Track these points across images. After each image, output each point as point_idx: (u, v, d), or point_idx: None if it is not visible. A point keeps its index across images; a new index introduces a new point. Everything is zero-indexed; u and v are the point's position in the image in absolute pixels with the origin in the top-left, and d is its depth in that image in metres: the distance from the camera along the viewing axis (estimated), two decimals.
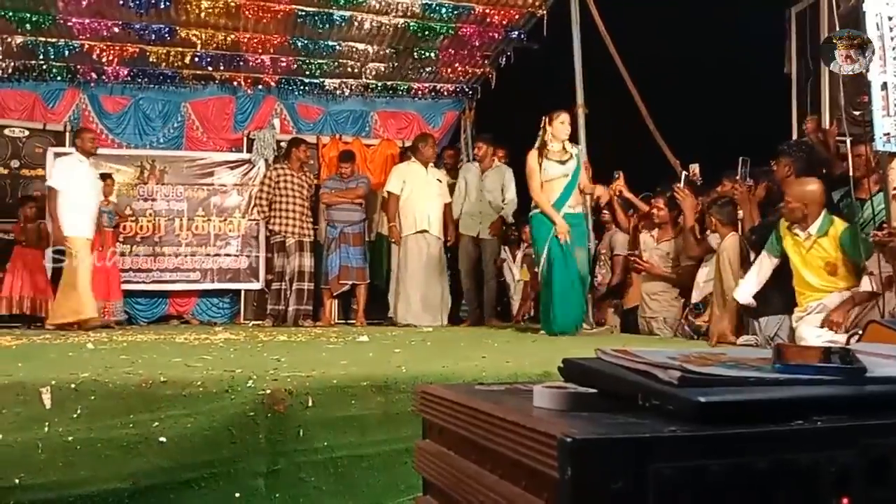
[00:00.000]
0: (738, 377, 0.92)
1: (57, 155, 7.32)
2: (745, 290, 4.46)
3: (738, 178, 4.97)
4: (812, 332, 3.99)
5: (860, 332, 1.40)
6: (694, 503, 0.76)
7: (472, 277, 6.95)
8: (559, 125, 5.25)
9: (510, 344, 4.26)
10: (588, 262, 5.39)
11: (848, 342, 1.38)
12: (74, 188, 6.19)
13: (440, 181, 6.96)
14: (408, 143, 8.50)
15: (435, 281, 6.80)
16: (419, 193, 6.83)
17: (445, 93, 9.09)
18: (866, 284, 3.96)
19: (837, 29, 4.95)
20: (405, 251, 6.83)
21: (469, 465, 1.02)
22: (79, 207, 6.18)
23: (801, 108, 6.47)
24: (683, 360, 0.95)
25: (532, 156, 5.29)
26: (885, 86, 3.44)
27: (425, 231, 6.79)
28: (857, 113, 4.80)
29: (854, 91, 4.53)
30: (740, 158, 5.05)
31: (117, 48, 7.78)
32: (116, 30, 7.41)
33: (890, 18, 3.48)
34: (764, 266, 4.43)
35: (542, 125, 5.26)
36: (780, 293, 4.41)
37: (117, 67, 8.13)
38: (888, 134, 3.37)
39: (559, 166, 5.23)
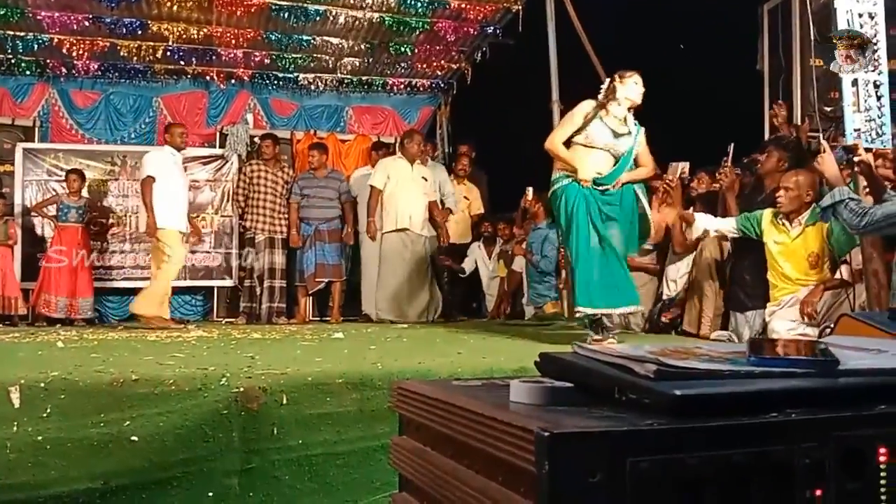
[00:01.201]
0: (713, 370, 0.92)
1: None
2: (701, 223, 4.52)
3: (726, 162, 4.88)
4: (784, 326, 4.05)
5: (832, 325, 1.42)
6: (671, 496, 0.76)
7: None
8: (633, 85, 4.10)
9: (486, 340, 4.26)
10: (626, 245, 4.17)
11: (820, 335, 1.39)
12: (166, 181, 6.14)
13: (425, 179, 6.91)
14: (384, 139, 8.48)
15: (416, 279, 6.77)
16: (403, 190, 6.77)
17: (421, 88, 9.07)
18: (844, 274, 4.05)
19: (810, 25, 5.03)
20: (385, 248, 6.80)
21: (446, 460, 1.02)
22: (170, 200, 6.14)
23: (773, 104, 6.54)
24: (659, 353, 0.95)
25: (587, 104, 4.18)
26: (855, 82, 3.49)
27: (406, 229, 6.76)
28: (828, 109, 4.86)
29: (825, 87, 4.59)
30: (732, 144, 4.97)
31: (87, 42, 7.66)
32: (87, 24, 7.29)
33: (860, 15, 3.52)
34: (729, 226, 4.48)
35: (608, 85, 4.18)
36: (756, 288, 4.47)
37: (88, 62, 8.00)
38: (858, 129, 3.41)
39: (609, 137, 4.11)
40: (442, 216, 7.01)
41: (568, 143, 4.15)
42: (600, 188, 4.03)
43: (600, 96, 4.17)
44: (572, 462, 0.74)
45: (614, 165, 4.09)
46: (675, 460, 0.77)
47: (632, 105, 4.12)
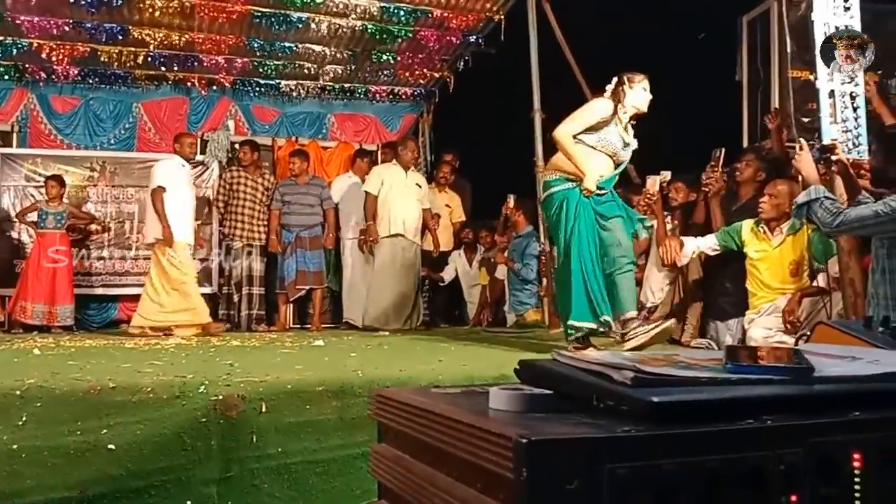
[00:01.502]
0: (690, 377, 0.93)
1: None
2: (688, 247, 4.53)
3: (714, 166, 4.88)
4: (762, 333, 4.09)
5: (808, 332, 1.43)
6: (648, 502, 0.77)
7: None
8: (642, 92, 3.90)
9: (467, 348, 4.26)
10: (626, 230, 3.92)
11: (797, 343, 1.41)
12: (175, 192, 6.01)
13: (419, 186, 6.91)
14: (367, 147, 8.48)
15: (405, 286, 6.76)
16: (396, 196, 6.77)
17: (403, 96, 9.07)
18: (821, 282, 4.10)
19: (787, 37, 5.09)
20: (378, 254, 6.81)
21: (424, 468, 1.02)
22: (180, 211, 6.02)
23: (751, 114, 6.61)
24: (637, 360, 0.96)
25: (606, 105, 3.89)
26: (832, 93, 3.53)
27: (399, 235, 6.75)
28: (805, 119, 4.92)
29: (802, 98, 4.65)
30: (721, 149, 4.96)
31: (67, 47, 7.59)
32: (67, 28, 7.23)
33: (837, 28, 3.57)
34: (711, 243, 4.51)
35: (615, 88, 3.93)
36: (736, 297, 4.51)
37: (67, 67, 7.93)
38: (835, 140, 3.45)
39: (620, 145, 3.90)
40: (434, 223, 7.01)
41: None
42: (600, 192, 3.84)
43: (608, 94, 3.94)
44: (550, 469, 0.74)
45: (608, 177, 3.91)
46: (652, 467, 0.77)
47: (637, 114, 3.93)
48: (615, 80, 3.96)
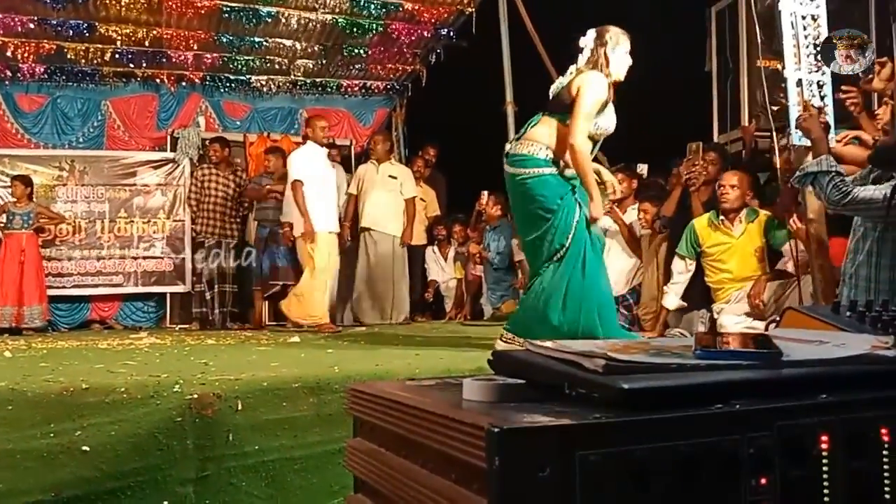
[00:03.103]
0: (660, 364, 0.94)
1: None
2: (674, 299, 4.61)
3: (693, 160, 4.89)
4: (733, 320, 4.15)
5: (777, 318, 1.45)
6: (620, 488, 0.78)
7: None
8: (623, 55, 3.45)
9: (444, 342, 4.27)
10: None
11: (766, 328, 1.43)
12: (314, 179, 5.80)
13: (394, 177, 6.90)
14: (339, 141, 8.44)
15: (380, 279, 6.78)
16: (366, 191, 6.84)
17: (376, 90, 9.05)
18: (789, 267, 4.16)
19: (756, 27, 5.14)
20: (350, 250, 6.83)
21: (400, 460, 1.02)
22: (320, 200, 5.81)
23: (721, 104, 6.68)
24: (608, 348, 0.96)
25: (602, 80, 3.36)
26: (800, 82, 3.57)
27: (368, 229, 6.77)
28: (774, 108, 4.97)
29: (771, 87, 4.69)
30: (700, 143, 4.98)
31: (33, 45, 7.47)
32: (32, 25, 7.11)
33: (803, 17, 3.61)
34: (684, 271, 4.57)
35: (595, 47, 3.43)
36: (706, 286, 4.57)
37: (33, 65, 7.80)
38: (807, 100, 3.49)
39: (612, 125, 3.46)
40: (411, 214, 6.99)
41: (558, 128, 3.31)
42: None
43: (584, 64, 3.41)
44: (522, 457, 0.75)
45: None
46: (624, 452, 0.78)
47: (616, 82, 3.46)
48: (592, 36, 3.45)
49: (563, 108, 3.36)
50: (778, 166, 4.15)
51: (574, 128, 3.26)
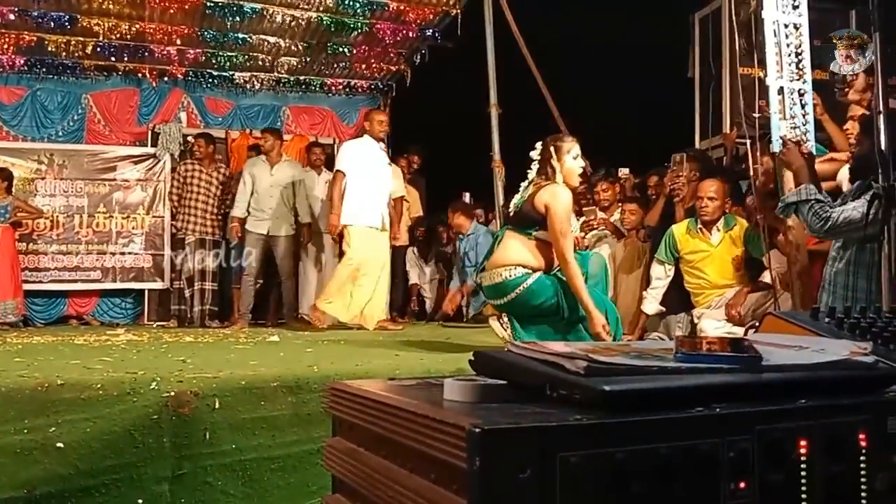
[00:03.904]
0: (641, 366, 0.94)
1: None
2: (653, 304, 4.64)
3: (677, 172, 4.92)
4: (712, 325, 4.17)
5: (757, 323, 1.46)
6: (600, 490, 0.77)
7: (260, 277, 6.88)
8: (571, 161, 3.48)
9: (424, 342, 4.26)
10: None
11: (746, 333, 1.43)
12: (360, 173, 5.66)
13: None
14: (322, 140, 8.41)
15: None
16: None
17: (360, 89, 9.02)
18: (766, 279, 4.19)
19: (737, 35, 5.19)
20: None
21: (379, 460, 1.01)
22: (363, 194, 5.65)
23: (703, 110, 6.73)
24: (590, 350, 0.96)
25: (568, 193, 3.41)
26: (781, 90, 3.60)
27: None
28: (756, 116, 5.01)
29: (753, 95, 4.73)
30: (683, 154, 5.02)
31: (13, 36, 7.37)
32: (12, 17, 7.01)
33: (786, 26, 3.64)
34: (663, 276, 4.60)
35: (543, 157, 3.50)
36: (685, 291, 4.60)
37: (13, 56, 7.70)
38: (784, 136, 3.52)
39: (575, 225, 3.62)
40: (398, 213, 6.95)
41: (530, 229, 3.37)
42: None
43: (537, 175, 3.48)
44: (503, 457, 0.74)
45: None
46: (604, 454, 0.78)
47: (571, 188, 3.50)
48: (539, 149, 3.53)
49: (528, 223, 3.40)
50: (752, 175, 4.17)
51: (561, 249, 3.30)
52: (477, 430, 0.75)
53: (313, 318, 5.70)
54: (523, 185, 3.55)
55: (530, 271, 3.35)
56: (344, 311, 5.63)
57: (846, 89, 4.12)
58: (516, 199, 3.56)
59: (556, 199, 3.33)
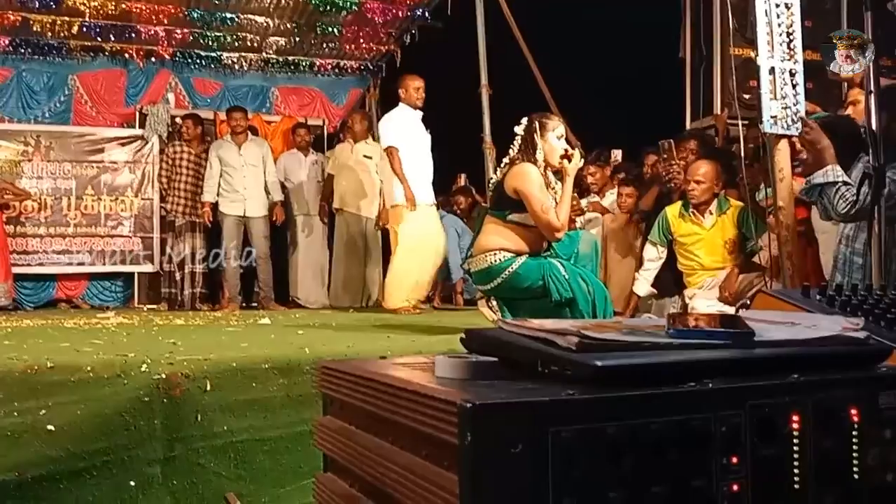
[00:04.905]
0: (633, 342, 0.94)
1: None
2: (645, 285, 4.65)
3: (670, 159, 4.91)
4: (704, 304, 4.18)
5: (748, 301, 1.46)
6: (592, 465, 0.77)
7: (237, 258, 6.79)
8: (555, 140, 3.42)
9: (417, 324, 4.26)
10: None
11: (737, 310, 1.44)
12: (409, 146, 5.29)
13: (369, 157, 6.81)
14: (312, 121, 8.36)
15: (350, 261, 6.75)
16: (339, 172, 6.80)
17: (349, 70, 8.95)
18: (760, 260, 4.20)
19: (729, 15, 5.17)
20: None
21: (370, 437, 1.01)
22: (414, 168, 5.30)
23: (694, 91, 6.72)
24: (581, 327, 0.96)
25: (532, 168, 3.34)
26: (772, 70, 3.59)
27: (340, 210, 6.74)
28: (746, 96, 5.01)
29: (744, 76, 4.72)
30: (671, 140, 5.00)
31: None
32: None
33: (777, 5, 3.63)
34: (655, 258, 4.61)
35: (525, 135, 3.43)
36: (677, 272, 4.61)
37: None
38: (775, 117, 3.51)
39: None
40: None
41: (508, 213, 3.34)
42: None
43: (517, 153, 3.42)
44: (494, 433, 0.74)
45: None
46: (596, 429, 0.78)
47: (551, 167, 3.42)
48: (525, 122, 3.46)
49: (503, 206, 3.37)
50: (742, 154, 4.15)
51: (544, 220, 3.25)
52: (468, 405, 0.74)
53: (401, 311, 5.29)
54: (504, 161, 3.50)
55: (515, 255, 3.32)
56: (419, 291, 5.46)
57: None
58: (493, 179, 3.54)
59: (524, 180, 3.28)
